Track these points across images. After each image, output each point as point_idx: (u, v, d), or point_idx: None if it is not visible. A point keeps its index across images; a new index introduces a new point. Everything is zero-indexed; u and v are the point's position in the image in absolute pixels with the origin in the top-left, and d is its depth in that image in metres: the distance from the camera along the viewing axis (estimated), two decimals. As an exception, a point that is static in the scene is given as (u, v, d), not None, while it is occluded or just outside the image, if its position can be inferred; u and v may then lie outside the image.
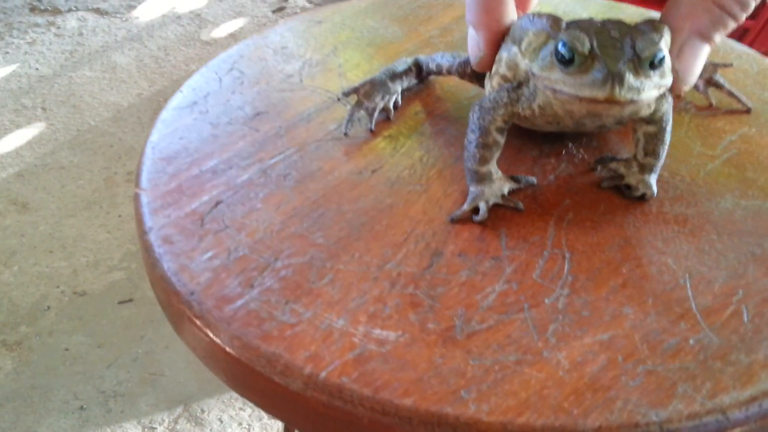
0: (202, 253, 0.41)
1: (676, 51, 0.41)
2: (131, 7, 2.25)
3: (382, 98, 0.52)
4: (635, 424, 0.32)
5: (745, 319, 0.37)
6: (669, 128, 0.43)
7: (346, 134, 0.50)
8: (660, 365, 0.35)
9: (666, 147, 0.44)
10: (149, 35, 2.12)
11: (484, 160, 0.43)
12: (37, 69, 2.03)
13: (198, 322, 0.38)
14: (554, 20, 0.40)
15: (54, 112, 1.89)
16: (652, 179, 0.44)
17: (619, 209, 0.43)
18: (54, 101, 1.92)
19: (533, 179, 0.45)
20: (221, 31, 2.11)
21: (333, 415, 0.34)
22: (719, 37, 0.40)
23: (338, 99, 0.53)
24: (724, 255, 0.40)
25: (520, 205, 0.43)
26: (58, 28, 2.19)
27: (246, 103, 0.53)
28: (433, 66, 0.54)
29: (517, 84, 0.43)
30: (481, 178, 0.43)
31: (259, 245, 0.41)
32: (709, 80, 0.54)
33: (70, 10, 2.26)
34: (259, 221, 0.43)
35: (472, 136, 0.43)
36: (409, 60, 0.54)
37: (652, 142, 0.43)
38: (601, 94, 0.37)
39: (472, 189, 0.43)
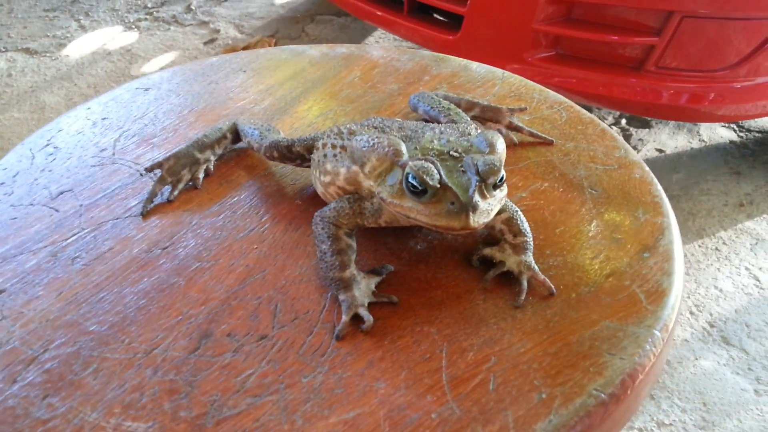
0: (-29, 349, 0.41)
1: None
2: (61, 46, 2.24)
3: (189, 170, 0.52)
4: None
5: (491, 387, 0.38)
6: (518, 210, 0.45)
7: (142, 214, 0.50)
8: (397, 443, 0.35)
9: (526, 223, 0.45)
10: (79, 73, 2.11)
11: (344, 266, 0.42)
12: (-36, 113, 2.00)
13: (-44, 423, 0.38)
14: (394, 148, 0.41)
15: (-18, 156, 1.87)
16: (530, 258, 0.44)
17: (395, 277, 0.44)
18: (-18, 145, 1.90)
19: (391, 267, 0.45)
20: (152, 66, 2.10)
21: None
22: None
23: (141, 175, 0.53)
24: (485, 320, 0.41)
25: (395, 298, 0.43)
26: (-13, 70, 2.16)
27: (53, 181, 0.53)
28: (245, 141, 0.54)
29: (358, 196, 0.44)
30: (347, 284, 0.42)
31: (31, 336, 0.41)
32: (509, 125, 0.56)
33: (-1, 52, 2.24)
34: (37, 310, 0.43)
35: (324, 246, 0.43)
36: (225, 126, 0.54)
37: (514, 225, 0.44)
38: (456, 224, 0.38)
39: (342, 297, 0.42)
